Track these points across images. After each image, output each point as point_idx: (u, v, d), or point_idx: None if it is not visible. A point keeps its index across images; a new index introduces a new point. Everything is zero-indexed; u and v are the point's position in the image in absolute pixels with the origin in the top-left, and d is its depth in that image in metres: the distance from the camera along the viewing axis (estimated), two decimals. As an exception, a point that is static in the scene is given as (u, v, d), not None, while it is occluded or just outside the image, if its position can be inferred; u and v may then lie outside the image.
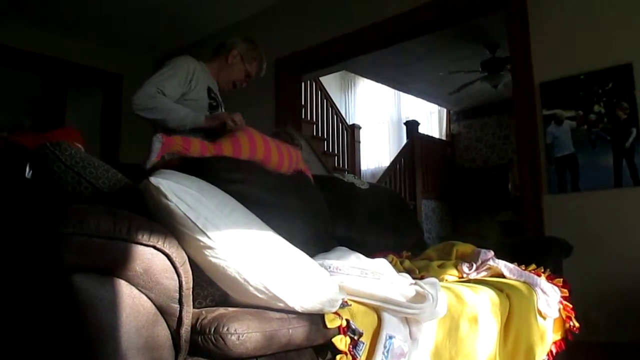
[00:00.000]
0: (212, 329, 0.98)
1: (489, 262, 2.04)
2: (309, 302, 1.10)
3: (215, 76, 2.48)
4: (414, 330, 1.31)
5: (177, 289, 0.98)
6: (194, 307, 1.04)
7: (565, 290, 2.06)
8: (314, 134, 6.62)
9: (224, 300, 1.13)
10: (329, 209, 2.23)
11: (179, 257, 0.98)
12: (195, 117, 2.16)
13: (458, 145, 8.24)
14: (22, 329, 1.18)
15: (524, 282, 1.95)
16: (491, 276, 2.03)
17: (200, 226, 1.02)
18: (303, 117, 5.46)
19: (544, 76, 2.87)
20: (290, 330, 1.08)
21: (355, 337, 1.17)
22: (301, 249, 1.21)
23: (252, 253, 1.06)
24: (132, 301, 0.94)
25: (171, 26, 4.77)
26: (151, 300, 0.96)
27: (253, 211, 1.23)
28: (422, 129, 7.44)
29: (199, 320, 1.01)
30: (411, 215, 2.97)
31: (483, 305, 1.61)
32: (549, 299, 1.93)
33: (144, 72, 5.49)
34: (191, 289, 1.01)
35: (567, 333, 2.05)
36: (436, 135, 8.13)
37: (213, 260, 1.03)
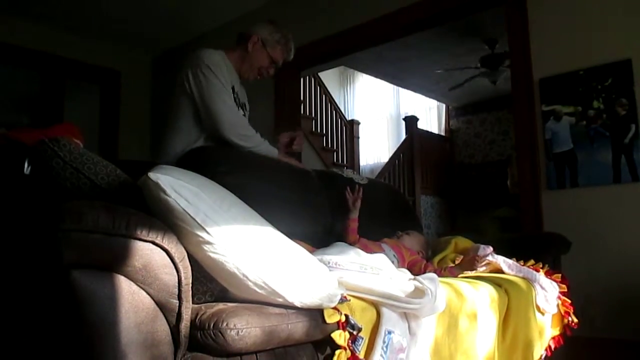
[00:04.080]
0: (212, 325, 0.98)
1: (488, 258, 2.05)
2: (308, 297, 1.11)
3: (236, 67, 2.34)
4: (413, 325, 1.31)
5: (176, 284, 0.98)
6: (193, 303, 1.04)
7: (564, 285, 2.06)
8: (313, 129, 6.62)
9: (223, 295, 1.13)
10: (328, 204, 2.23)
11: (178, 252, 0.98)
12: (269, 151, 2.16)
13: (457, 141, 8.24)
14: (21, 325, 1.18)
15: (523, 278, 1.96)
16: (490, 271, 2.04)
17: (199, 221, 1.02)
18: (302, 112, 5.45)
19: (543, 72, 2.87)
20: (290, 326, 1.08)
21: (355, 332, 1.17)
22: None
23: (251, 248, 1.06)
24: (131, 297, 0.94)
25: (169, 23, 4.76)
26: (150, 296, 0.96)
27: (251, 205, 1.23)
28: (421, 125, 7.44)
29: (198, 316, 1.01)
30: (410, 211, 2.97)
31: (482, 300, 1.62)
32: (547, 295, 1.94)
33: (141, 69, 5.53)
34: (190, 285, 1.01)
35: (565, 328, 2.06)
36: (435, 131, 8.13)
37: (212, 255, 1.03)
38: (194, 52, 2.23)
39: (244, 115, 2.39)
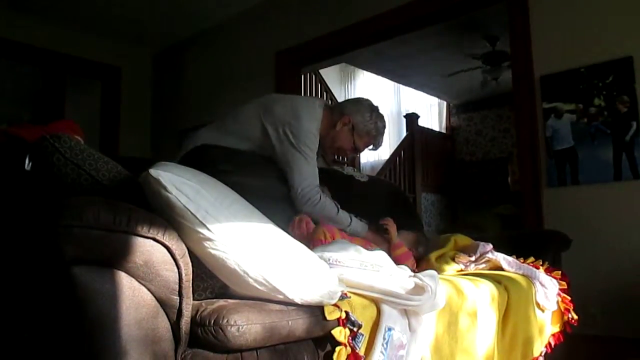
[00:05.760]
0: (212, 321, 0.98)
1: (487, 255, 2.05)
2: (308, 294, 1.11)
3: (322, 130, 2.14)
4: (413, 322, 1.31)
5: (177, 281, 0.98)
6: (193, 299, 1.04)
7: (564, 282, 2.06)
8: (314, 126, 6.60)
9: (224, 292, 1.13)
10: (329, 201, 2.23)
11: (179, 249, 0.98)
12: (358, 229, 2.03)
13: (458, 138, 8.23)
14: (22, 321, 1.18)
15: (523, 275, 1.96)
16: (490, 269, 2.04)
17: (200, 218, 1.02)
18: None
19: (544, 69, 2.87)
20: (290, 322, 1.08)
21: (355, 329, 1.17)
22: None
23: (252, 245, 1.07)
24: (132, 293, 0.94)
25: (170, 18, 4.75)
26: (151, 292, 0.97)
27: (252, 202, 1.23)
28: (422, 122, 7.43)
29: (199, 312, 1.01)
30: (411, 208, 2.97)
31: (482, 298, 1.62)
32: (547, 292, 1.94)
33: (142, 65, 5.52)
34: (191, 281, 1.01)
35: (565, 325, 2.06)
36: (436, 128, 8.12)
37: (213, 252, 1.04)
38: (294, 101, 2.14)
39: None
